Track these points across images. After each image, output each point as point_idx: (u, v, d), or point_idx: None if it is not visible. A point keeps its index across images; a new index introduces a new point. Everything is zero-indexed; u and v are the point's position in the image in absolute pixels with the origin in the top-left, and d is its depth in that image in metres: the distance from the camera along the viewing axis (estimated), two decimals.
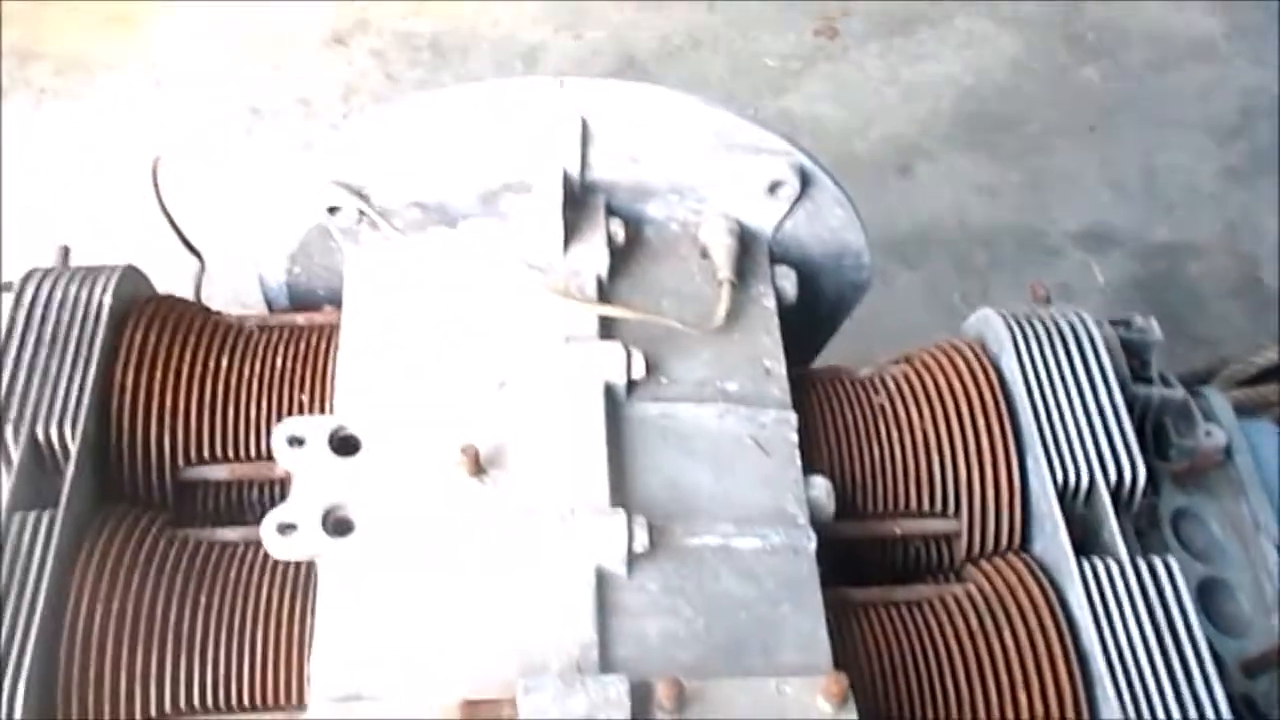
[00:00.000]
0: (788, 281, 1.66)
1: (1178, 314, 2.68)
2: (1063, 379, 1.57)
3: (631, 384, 1.50)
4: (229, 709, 1.39)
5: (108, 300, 1.57)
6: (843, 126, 3.18)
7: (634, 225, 1.64)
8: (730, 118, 1.60)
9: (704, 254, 1.65)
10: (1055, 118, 3.28)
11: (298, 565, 1.42)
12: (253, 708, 1.40)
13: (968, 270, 2.95)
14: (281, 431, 1.46)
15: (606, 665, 1.30)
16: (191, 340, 1.60)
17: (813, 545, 1.42)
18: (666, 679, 1.25)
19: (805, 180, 1.63)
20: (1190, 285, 2.98)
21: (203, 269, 1.87)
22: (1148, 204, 3.14)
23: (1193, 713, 1.33)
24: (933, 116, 3.26)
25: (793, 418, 1.52)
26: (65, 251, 1.70)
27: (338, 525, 1.40)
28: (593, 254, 1.59)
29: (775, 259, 1.68)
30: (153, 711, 1.37)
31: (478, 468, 1.42)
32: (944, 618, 1.47)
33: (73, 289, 1.58)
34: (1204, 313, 2.87)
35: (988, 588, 1.49)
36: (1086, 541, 1.48)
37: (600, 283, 1.59)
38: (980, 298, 2.72)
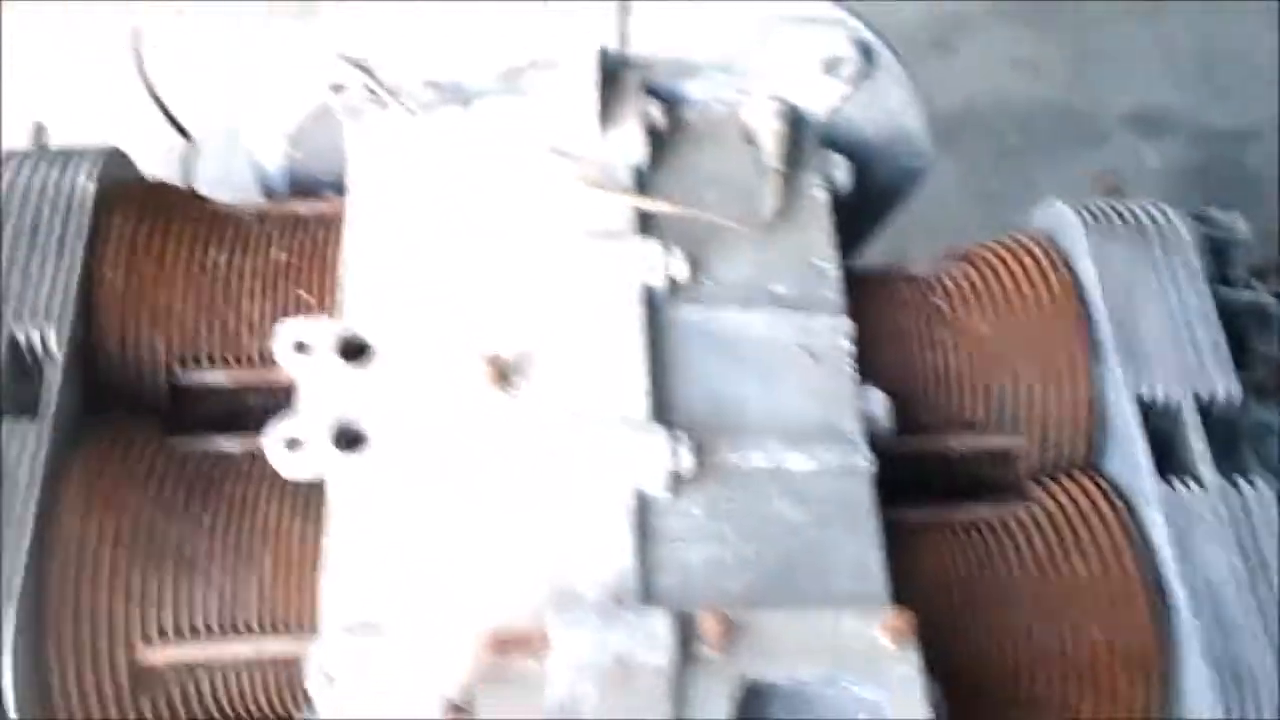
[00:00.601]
0: (841, 171, 1.50)
1: (1235, 204, 2.52)
2: (1145, 281, 1.43)
3: (672, 286, 1.35)
4: (231, 632, 1.29)
5: (89, 186, 1.42)
6: None
7: (673, 107, 1.48)
8: None
9: (750, 140, 1.49)
10: None
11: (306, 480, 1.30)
12: (256, 631, 1.29)
13: (1007, 154, 2.77)
14: (285, 336, 1.32)
15: (647, 595, 1.19)
16: (183, 231, 1.46)
17: (869, 465, 1.30)
18: (712, 612, 1.14)
19: (867, 57, 1.46)
20: (1249, 173, 2.81)
21: (193, 151, 1.71)
22: (1203, 85, 2.94)
23: None
24: None
25: (847, 324, 1.38)
26: (39, 129, 1.55)
27: (349, 440, 1.28)
28: (629, 140, 1.43)
29: (827, 145, 1.52)
30: (150, 635, 1.27)
31: (503, 378, 1.29)
32: (1006, 541, 1.37)
33: (50, 174, 1.42)
34: (1264, 202, 2.70)
35: (1054, 509, 1.38)
36: (1166, 461, 1.36)
37: (637, 172, 1.43)
38: (1021, 183, 2.56)
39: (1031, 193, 1.55)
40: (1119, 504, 1.35)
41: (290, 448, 1.27)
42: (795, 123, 1.49)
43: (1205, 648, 1.22)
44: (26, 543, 1.21)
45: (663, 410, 1.29)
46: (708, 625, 1.14)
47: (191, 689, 1.31)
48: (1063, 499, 1.37)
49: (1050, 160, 2.80)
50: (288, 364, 1.32)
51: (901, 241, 1.97)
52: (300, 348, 1.32)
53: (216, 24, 2.86)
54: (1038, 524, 1.36)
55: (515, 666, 1.15)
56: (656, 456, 1.23)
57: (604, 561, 1.20)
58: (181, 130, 1.71)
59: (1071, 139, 2.87)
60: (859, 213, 1.61)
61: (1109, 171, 1.62)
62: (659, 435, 1.24)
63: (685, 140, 1.48)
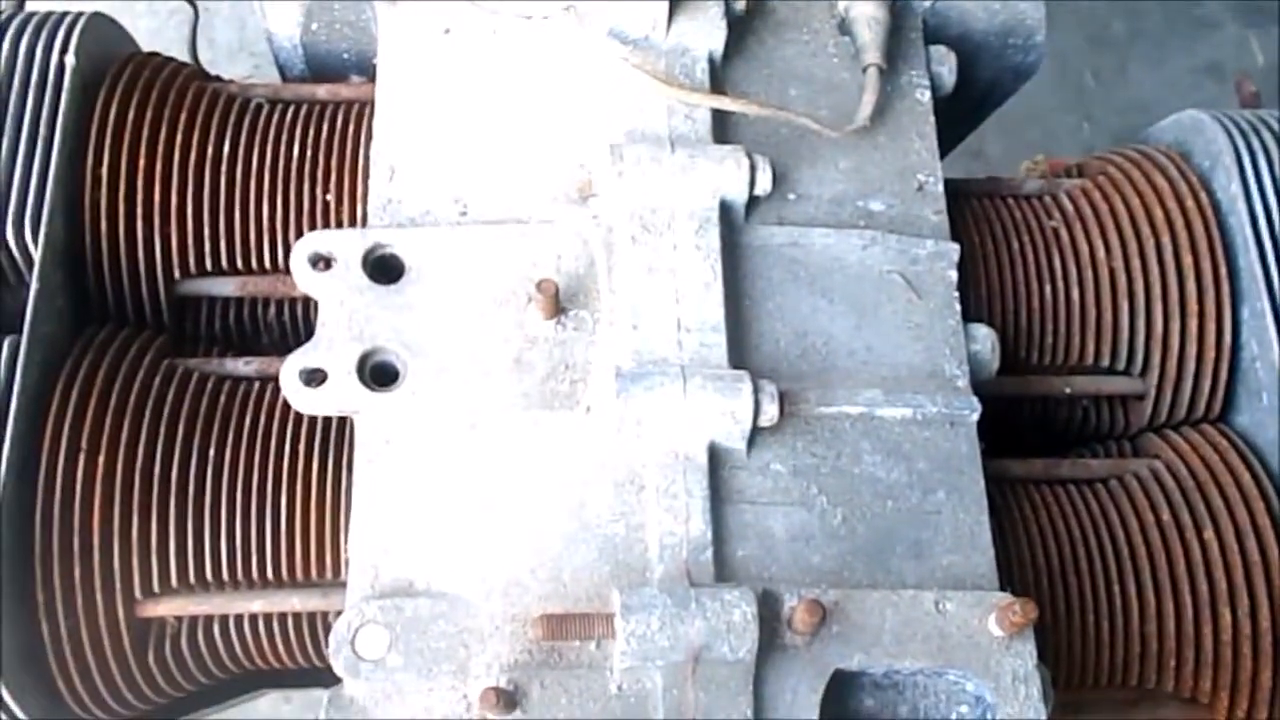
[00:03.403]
0: (945, 67, 1.30)
1: None
2: None
3: (753, 201, 1.16)
4: (243, 583, 1.15)
5: (70, 60, 1.22)
6: None
7: None
8: None
9: (843, 28, 1.28)
10: None
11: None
12: (272, 583, 1.15)
13: (1102, 43, 2.52)
14: (303, 250, 1.14)
15: (722, 570, 1.03)
16: (182, 117, 1.27)
17: (975, 415, 1.13)
18: (806, 602, 0.99)
19: None
20: None
21: (196, 19, 1.50)
22: None
23: None
24: None
25: (953, 249, 1.20)
26: None
27: (377, 373, 1.12)
28: (705, 27, 1.22)
29: (931, 37, 1.31)
30: (152, 586, 1.13)
31: (555, 307, 1.11)
32: (1125, 503, 1.21)
33: (23, 45, 1.22)
34: None
35: (1181, 469, 1.21)
36: None
37: (713, 65, 1.22)
38: (1117, 76, 2.32)
39: (1127, 85, 1.34)
40: (1256, 466, 1.18)
41: (310, 381, 1.10)
42: (898, 9, 1.27)
43: None
44: (7, 480, 1.06)
45: (741, 350, 1.12)
46: (799, 616, 0.99)
47: (201, 645, 1.17)
48: (1190, 457, 1.21)
49: (1150, 50, 2.54)
50: (306, 281, 1.14)
51: (978, 142, 1.75)
52: (320, 263, 1.14)
53: None
54: (1161, 485, 1.20)
55: (572, 651, 1.00)
56: (735, 405, 1.06)
57: (674, 529, 1.04)
58: None
59: (1174, 27, 2.60)
60: (951, 116, 1.40)
61: (1244, 74, 1.40)
62: (741, 384, 1.06)
63: (767, 27, 1.28)
